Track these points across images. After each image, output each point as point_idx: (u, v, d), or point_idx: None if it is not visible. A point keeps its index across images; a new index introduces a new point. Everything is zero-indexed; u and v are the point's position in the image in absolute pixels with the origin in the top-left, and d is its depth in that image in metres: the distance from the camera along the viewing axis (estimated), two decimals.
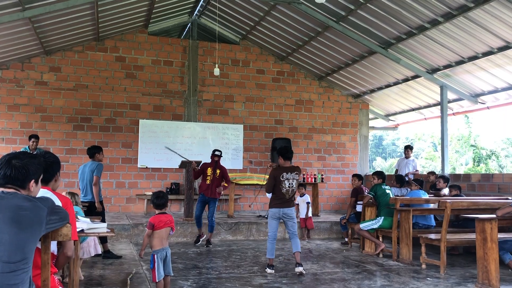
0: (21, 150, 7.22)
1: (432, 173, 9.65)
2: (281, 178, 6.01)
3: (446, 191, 8.23)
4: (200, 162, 8.53)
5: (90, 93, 10.64)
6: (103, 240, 6.62)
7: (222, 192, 8.18)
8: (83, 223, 3.88)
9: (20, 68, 10.22)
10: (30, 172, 2.38)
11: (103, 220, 6.51)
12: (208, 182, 7.97)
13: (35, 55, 10.23)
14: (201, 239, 8.18)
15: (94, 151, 7.08)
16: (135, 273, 5.78)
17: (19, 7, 7.50)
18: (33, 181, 2.40)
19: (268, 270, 5.95)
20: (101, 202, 6.91)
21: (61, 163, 3.17)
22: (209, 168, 8.04)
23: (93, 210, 6.75)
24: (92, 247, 5.41)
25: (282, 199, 6.04)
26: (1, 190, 2.29)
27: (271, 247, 6.05)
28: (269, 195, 6.19)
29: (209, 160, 8.26)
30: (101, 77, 10.76)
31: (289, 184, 6.04)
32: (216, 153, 8.13)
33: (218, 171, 8.04)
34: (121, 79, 10.90)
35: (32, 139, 8.79)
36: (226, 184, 8.17)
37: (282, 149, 6.34)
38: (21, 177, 2.35)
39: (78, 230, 3.68)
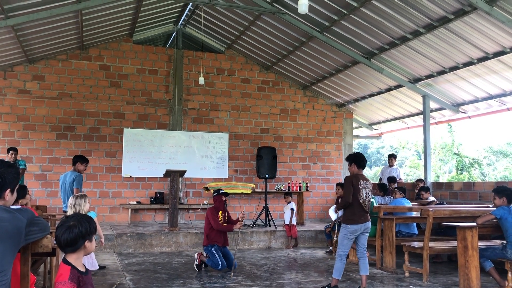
0: None
1: (421, 180, 9.80)
2: (359, 186, 5.28)
3: (431, 198, 8.54)
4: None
5: (74, 102, 10.55)
6: None
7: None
8: None
9: (3, 76, 10.09)
10: (7, 181, 2.35)
11: None
12: None
13: (18, 64, 10.12)
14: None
15: (76, 160, 7.09)
16: (119, 284, 5.71)
17: (1, 15, 7.42)
18: (8, 190, 2.37)
19: None
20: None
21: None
22: (220, 212, 6.73)
23: None
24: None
25: (362, 211, 5.27)
26: None
27: (342, 267, 5.34)
28: (334, 215, 5.20)
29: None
30: (85, 85, 10.68)
31: (366, 193, 5.33)
32: (222, 191, 6.75)
33: (226, 214, 6.84)
34: (106, 87, 10.84)
35: (11, 152, 8.65)
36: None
37: (355, 156, 5.46)
38: None
39: None
